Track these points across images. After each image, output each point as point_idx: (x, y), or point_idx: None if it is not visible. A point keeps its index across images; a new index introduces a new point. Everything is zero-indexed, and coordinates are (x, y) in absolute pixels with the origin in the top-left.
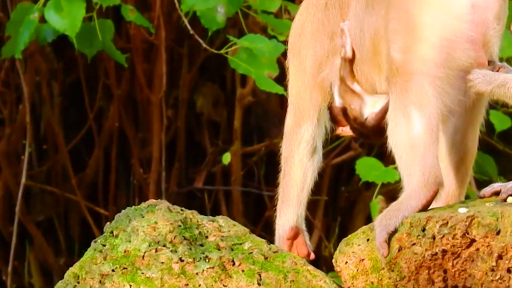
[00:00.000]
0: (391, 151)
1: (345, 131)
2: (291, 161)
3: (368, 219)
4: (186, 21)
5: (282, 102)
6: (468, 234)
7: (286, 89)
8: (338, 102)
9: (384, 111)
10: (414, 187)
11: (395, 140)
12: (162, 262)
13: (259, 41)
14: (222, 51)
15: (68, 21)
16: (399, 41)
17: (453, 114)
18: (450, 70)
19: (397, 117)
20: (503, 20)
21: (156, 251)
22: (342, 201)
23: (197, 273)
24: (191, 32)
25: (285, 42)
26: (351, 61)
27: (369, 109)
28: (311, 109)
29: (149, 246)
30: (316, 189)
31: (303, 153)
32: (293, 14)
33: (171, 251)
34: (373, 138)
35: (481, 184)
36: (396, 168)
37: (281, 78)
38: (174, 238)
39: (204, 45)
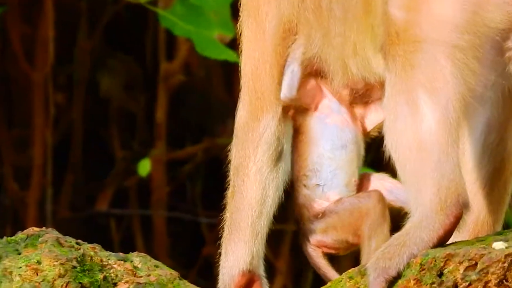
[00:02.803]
0: (390, 158)
1: None
2: (245, 172)
3: (357, 259)
4: None
5: (230, 83)
6: (507, 281)
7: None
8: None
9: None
10: (425, 211)
11: (396, 141)
12: None
13: None
14: (142, 0)
15: None
16: None
17: (484, 102)
18: (477, 37)
19: (398, 107)
20: None
21: None
22: None
23: None
24: None
25: None
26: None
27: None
28: (274, 94)
29: None
30: (281, 215)
31: (262, 160)
32: None
33: None
34: None
35: None
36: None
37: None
38: (66, 286)
39: None
